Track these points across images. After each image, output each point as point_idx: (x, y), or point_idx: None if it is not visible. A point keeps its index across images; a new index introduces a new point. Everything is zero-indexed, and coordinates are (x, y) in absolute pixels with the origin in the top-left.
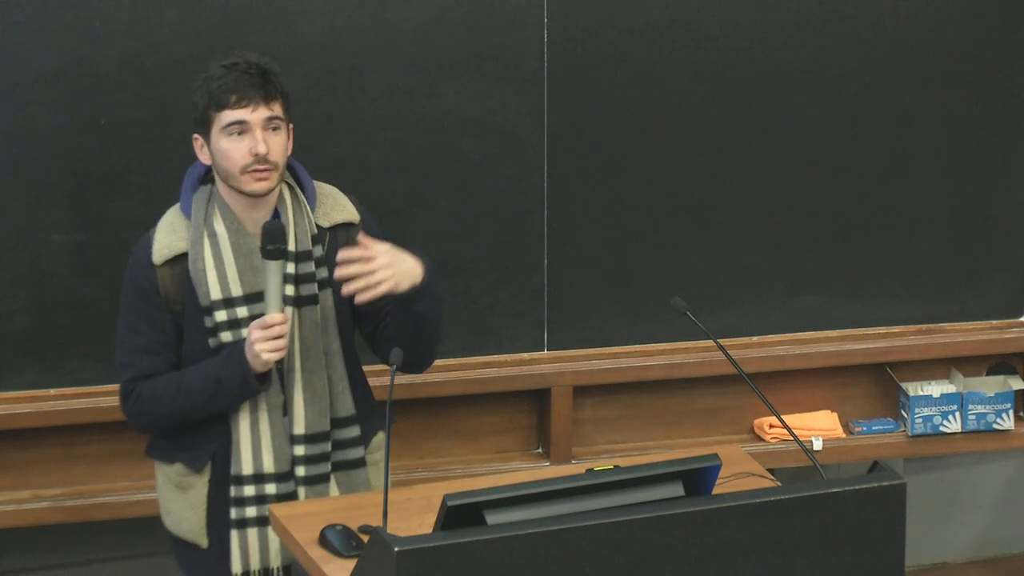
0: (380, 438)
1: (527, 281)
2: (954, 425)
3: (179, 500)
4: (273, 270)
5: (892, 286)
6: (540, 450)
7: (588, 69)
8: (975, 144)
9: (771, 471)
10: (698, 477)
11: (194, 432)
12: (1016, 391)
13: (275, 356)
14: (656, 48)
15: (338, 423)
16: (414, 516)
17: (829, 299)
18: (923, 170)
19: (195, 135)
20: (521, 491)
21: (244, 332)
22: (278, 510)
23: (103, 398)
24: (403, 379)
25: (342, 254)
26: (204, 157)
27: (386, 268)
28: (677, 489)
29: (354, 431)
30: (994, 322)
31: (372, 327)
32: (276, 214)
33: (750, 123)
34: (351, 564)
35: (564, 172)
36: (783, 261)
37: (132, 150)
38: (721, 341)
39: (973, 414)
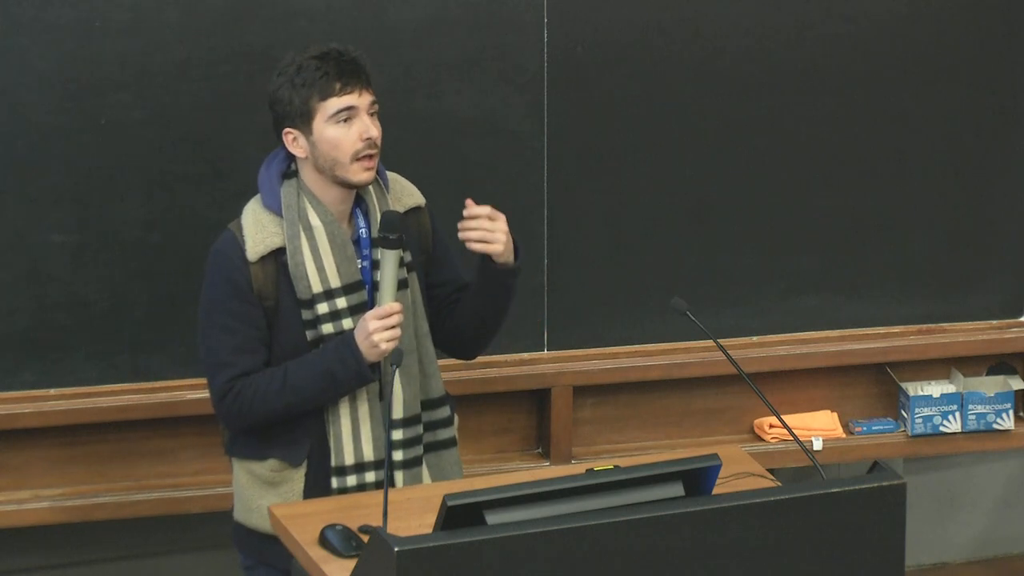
0: (456, 419)
1: (527, 281)
2: (954, 425)
3: (270, 496)
4: (390, 259)
5: (892, 286)
6: (540, 450)
7: (588, 69)
8: (975, 144)
9: (771, 471)
10: (698, 477)
11: (287, 426)
12: (1016, 391)
13: (392, 345)
14: (656, 48)
15: (429, 404)
16: (414, 516)
17: (829, 299)
18: (923, 170)
19: (287, 129)
20: (521, 491)
21: (345, 323)
22: (278, 510)
23: (103, 398)
24: None
25: (472, 209)
26: (299, 150)
27: (502, 231)
28: (677, 489)
29: (445, 411)
30: (994, 322)
31: (435, 308)
32: (358, 201)
33: (750, 123)
34: (351, 564)
35: (564, 172)
36: (783, 261)
37: (132, 150)
38: (721, 341)
39: (973, 414)
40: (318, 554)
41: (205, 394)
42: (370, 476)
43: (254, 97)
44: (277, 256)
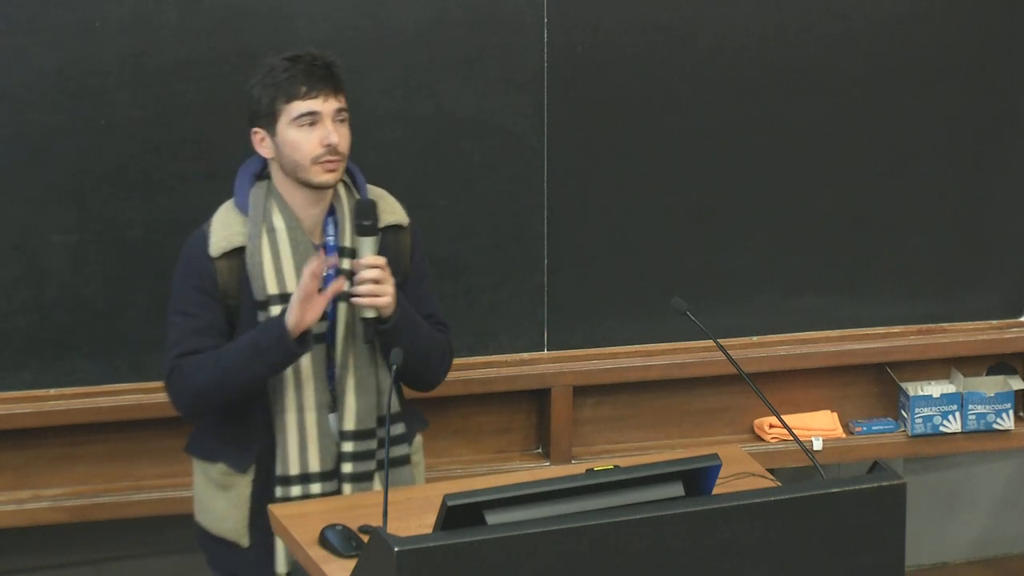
0: (419, 440)
1: (527, 281)
2: (954, 425)
3: (220, 499)
4: (367, 246)
5: (892, 286)
6: (540, 450)
7: (588, 69)
8: (975, 144)
9: (771, 471)
10: (698, 477)
11: (238, 431)
12: (1016, 391)
13: (314, 315)
14: (656, 48)
15: (384, 420)
16: (414, 516)
17: (829, 299)
18: (923, 170)
19: (255, 129)
20: (521, 491)
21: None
22: (278, 510)
23: (103, 398)
24: None
25: (370, 260)
26: (265, 151)
27: (391, 287)
28: (677, 489)
29: (399, 428)
30: (994, 322)
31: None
32: (331, 211)
33: (750, 123)
34: (351, 564)
35: (564, 172)
36: (783, 261)
37: (132, 150)
38: (721, 341)
39: (973, 414)
40: (318, 554)
41: None
42: (315, 487)
43: None
44: (242, 255)
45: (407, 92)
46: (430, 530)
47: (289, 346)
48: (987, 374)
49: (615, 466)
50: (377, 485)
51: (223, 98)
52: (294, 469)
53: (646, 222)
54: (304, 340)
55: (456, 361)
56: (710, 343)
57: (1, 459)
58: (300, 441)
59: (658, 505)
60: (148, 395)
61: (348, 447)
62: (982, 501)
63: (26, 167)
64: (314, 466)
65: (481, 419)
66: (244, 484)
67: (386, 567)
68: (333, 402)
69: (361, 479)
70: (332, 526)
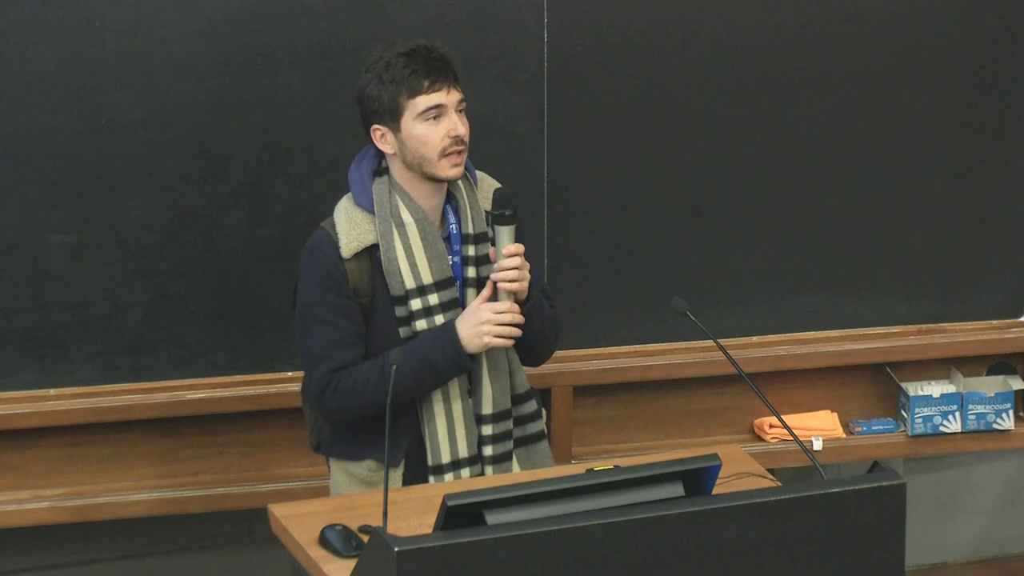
0: (545, 415)
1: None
2: (954, 425)
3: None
4: (505, 235)
5: (892, 286)
6: None
7: (588, 69)
8: (975, 144)
9: (771, 471)
10: (698, 477)
11: (383, 427)
12: (1016, 391)
13: (498, 342)
14: (656, 48)
15: (518, 399)
16: (414, 516)
17: (829, 299)
18: (923, 170)
19: (375, 126)
20: (521, 491)
21: (437, 320)
22: (278, 510)
23: (103, 398)
24: None
25: (513, 247)
26: (387, 147)
27: (527, 269)
28: (677, 489)
29: (532, 405)
30: (994, 322)
31: None
32: (449, 198)
33: (750, 123)
34: (351, 564)
35: (564, 172)
36: (783, 261)
37: (132, 150)
38: (721, 341)
39: (973, 414)
40: (318, 554)
41: (205, 394)
42: (465, 473)
43: (254, 97)
44: (371, 253)
45: None
46: (430, 530)
47: (465, 364)
48: (987, 374)
49: (615, 466)
50: (515, 466)
51: (223, 98)
52: (446, 457)
53: (646, 222)
54: (476, 356)
55: None
56: (710, 343)
57: (1, 459)
58: (448, 429)
59: (658, 505)
60: (148, 395)
61: (487, 430)
62: (982, 501)
63: (26, 167)
64: (463, 452)
65: None
66: (395, 478)
67: (386, 567)
68: (471, 387)
69: (501, 460)
70: (332, 526)
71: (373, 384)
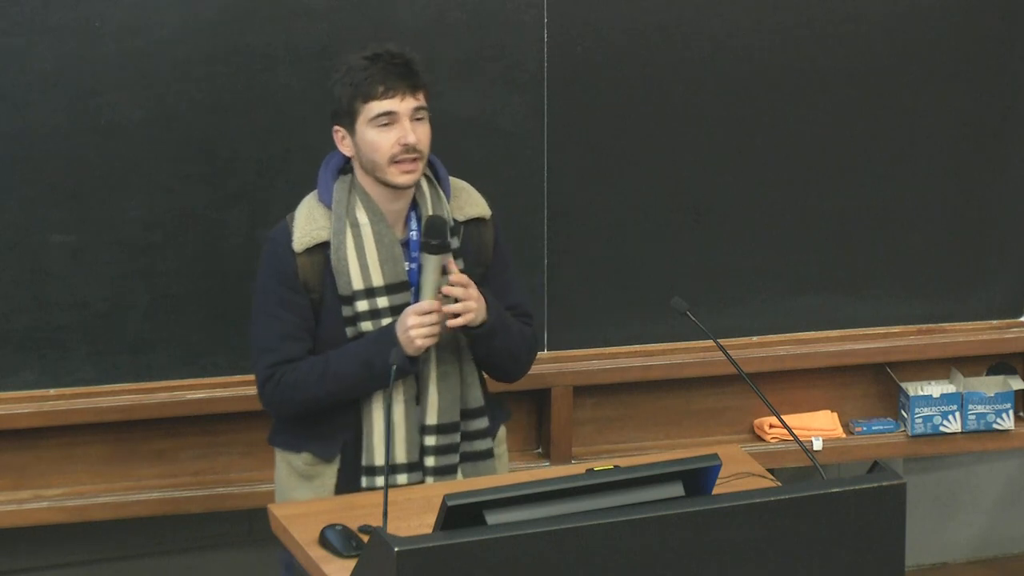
0: (503, 432)
1: (527, 281)
2: (954, 425)
3: (303, 489)
4: (432, 264)
5: (892, 286)
6: (540, 450)
7: (588, 69)
8: (975, 144)
9: (771, 471)
10: (698, 477)
11: (325, 422)
12: (1016, 391)
13: (429, 342)
14: (656, 48)
15: (468, 414)
16: (414, 516)
17: (829, 299)
18: (923, 170)
19: (336, 127)
20: (521, 491)
21: (384, 322)
22: (277, 510)
23: (103, 398)
24: None
25: (456, 278)
26: (346, 149)
27: (475, 296)
28: (677, 489)
29: (483, 422)
30: (994, 322)
31: None
32: (414, 205)
33: (750, 123)
34: (351, 564)
35: (564, 172)
36: (783, 261)
37: (132, 150)
38: (721, 341)
39: (973, 414)
40: (318, 554)
41: (205, 394)
42: (401, 478)
43: (254, 97)
44: (325, 249)
45: None
46: (430, 530)
47: (405, 368)
48: (987, 374)
49: (615, 466)
50: (461, 479)
51: (223, 98)
52: (380, 459)
53: (646, 222)
54: (416, 360)
55: None
56: (710, 343)
57: (1, 459)
58: (386, 432)
59: (658, 505)
60: (148, 395)
61: (430, 441)
62: (982, 501)
63: (26, 167)
64: (400, 457)
65: None
66: (329, 474)
67: (386, 567)
68: (417, 395)
69: (444, 472)
70: (332, 526)
71: (313, 380)
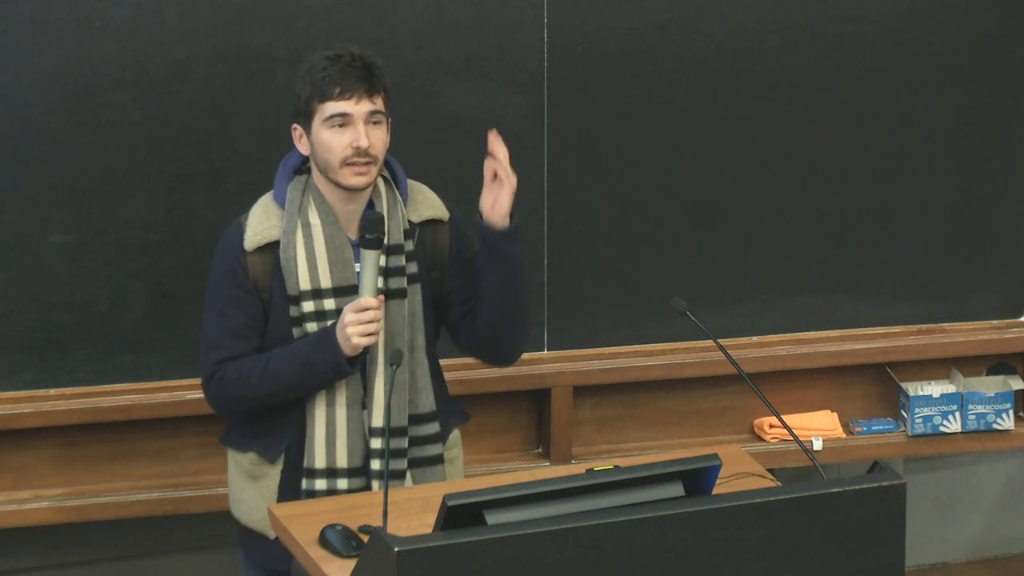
0: (456, 435)
1: (527, 281)
2: (954, 425)
3: (250, 489)
4: (370, 259)
5: (892, 286)
6: (540, 450)
7: (588, 69)
8: (975, 144)
9: (771, 471)
10: (698, 477)
11: (270, 421)
12: (1016, 391)
13: (366, 341)
14: (656, 48)
15: (418, 419)
16: (414, 516)
17: (829, 299)
18: (923, 170)
19: (294, 125)
20: (521, 491)
21: (330, 324)
22: (277, 510)
23: (103, 398)
24: None
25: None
26: (303, 147)
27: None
28: (677, 489)
29: (433, 427)
30: (994, 322)
31: (460, 314)
32: (371, 206)
33: (750, 123)
34: (351, 564)
35: (564, 172)
36: (783, 261)
37: (132, 150)
38: (721, 341)
39: (973, 414)
40: (318, 554)
41: None
42: (342, 483)
43: (254, 97)
44: (276, 249)
45: (407, 92)
46: (430, 530)
47: (344, 369)
48: (987, 374)
49: (615, 466)
50: (409, 484)
51: (223, 98)
52: (320, 463)
53: (646, 222)
54: (356, 360)
55: (456, 361)
56: (710, 343)
57: (1, 459)
58: (328, 435)
59: (658, 505)
60: (148, 395)
61: (376, 444)
62: (982, 501)
63: (26, 167)
64: (341, 461)
65: (481, 419)
66: (273, 475)
67: (386, 567)
68: (363, 399)
69: (391, 476)
70: (332, 526)
71: (255, 379)
